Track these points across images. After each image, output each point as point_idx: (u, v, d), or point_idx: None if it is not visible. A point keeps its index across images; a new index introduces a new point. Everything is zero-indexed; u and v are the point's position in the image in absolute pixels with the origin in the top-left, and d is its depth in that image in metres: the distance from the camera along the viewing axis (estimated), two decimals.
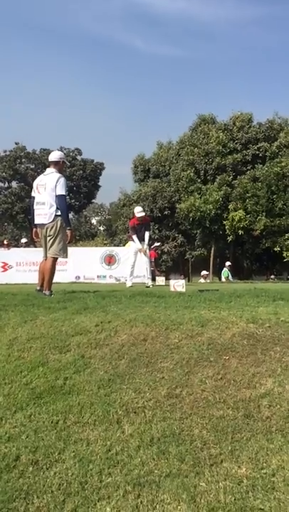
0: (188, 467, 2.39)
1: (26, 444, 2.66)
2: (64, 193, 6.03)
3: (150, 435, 2.64)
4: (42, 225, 6.04)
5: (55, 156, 6.33)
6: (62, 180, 6.05)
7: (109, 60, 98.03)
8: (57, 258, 6.12)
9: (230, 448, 2.51)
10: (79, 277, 13.85)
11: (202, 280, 19.73)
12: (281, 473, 2.32)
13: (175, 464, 2.42)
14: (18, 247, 18.59)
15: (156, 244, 17.06)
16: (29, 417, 2.91)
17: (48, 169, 6.26)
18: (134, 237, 9.93)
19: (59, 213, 5.97)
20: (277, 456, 2.42)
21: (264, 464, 2.38)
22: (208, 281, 20.58)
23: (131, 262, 10.20)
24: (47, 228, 5.98)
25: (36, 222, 6.13)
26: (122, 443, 2.60)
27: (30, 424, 2.84)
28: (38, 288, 6.15)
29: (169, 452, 2.50)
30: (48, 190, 5.97)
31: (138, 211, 10.04)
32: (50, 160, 6.30)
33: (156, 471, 2.38)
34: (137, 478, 2.34)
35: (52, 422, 2.83)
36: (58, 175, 6.07)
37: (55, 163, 6.23)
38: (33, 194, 6.25)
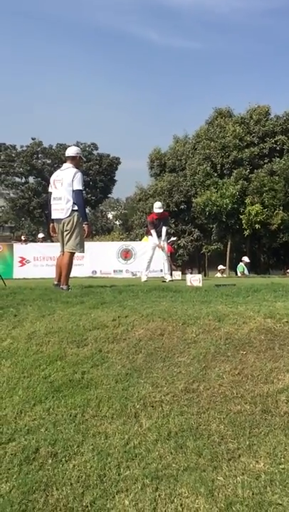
0: (205, 461, 2.40)
1: (45, 436, 2.69)
2: (81, 188, 6.05)
3: (168, 429, 2.66)
4: (59, 220, 6.08)
5: (71, 151, 6.35)
6: (79, 175, 6.08)
7: (125, 53, 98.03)
8: (74, 253, 6.16)
9: (248, 443, 2.51)
10: (96, 272, 13.92)
11: (219, 275, 19.63)
12: None
13: (193, 458, 2.43)
14: (35, 242, 18.75)
15: (173, 238, 16.99)
16: (48, 410, 2.95)
17: (64, 164, 6.29)
18: (153, 231, 9.94)
19: (76, 208, 5.99)
20: None
21: (282, 459, 2.37)
22: (225, 275, 20.48)
23: (148, 257, 10.21)
24: (64, 223, 6.02)
25: (53, 217, 6.18)
26: (139, 437, 2.62)
27: (49, 417, 2.88)
28: (56, 282, 6.21)
29: (187, 446, 2.51)
30: (64, 185, 6.01)
31: (157, 207, 10.05)
32: (66, 155, 6.32)
33: (174, 465, 2.40)
34: (154, 472, 2.36)
35: (70, 416, 2.86)
36: (75, 170, 6.10)
37: (72, 158, 6.26)
38: (50, 189, 6.30)
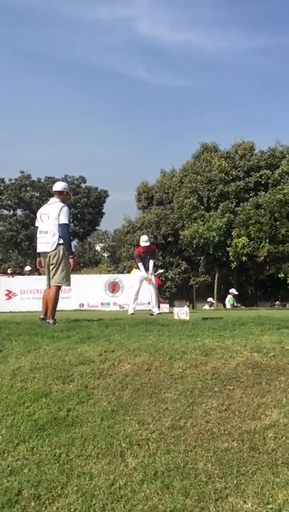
0: (192, 502, 2.35)
1: (29, 478, 2.62)
2: (67, 222, 6.09)
3: (154, 468, 2.60)
4: (45, 254, 6.09)
5: (58, 186, 6.41)
6: (66, 209, 6.12)
7: (115, 90, 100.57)
8: (60, 286, 6.13)
9: (235, 482, 2.46)
10: (83, 305, 13.83)
11: (207, 307, 19.64)
12: (288, 507, 2.27)
13: (179, 499, 2.37)
14: (22, 274, 18.63)
15: (160, 271, 17.02)
16: (32, 449, 2.88)
17: (51, 199, 6.35)
18: (140, 264, 9.96)
19: (61, 242, 6.02)
20: (283, 491, 2.37)
21: (270, 499, 2.33)
22: (213, 308, 20.50)
23: (135, 290, 10.19)
24: (50, 256, 6.02)
25: (39, 250, 6.19)
26: (125, 477, 2.57)
27: (32, 457, 2.81)
28: (42, 316, 6.15)
29: (174, 486, 2.46)
30: (51, 219, 6.05)
31: (144, 240, 10.09)
32: (54, 190, 6.38)
33: (160, 507, 2.34)
34: None
35: (55, 455, 2.80)
36: (62, 204, 6.15)
37: (59, 193, 6.30)
38: (36, 224, 6.35)
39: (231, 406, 3.10)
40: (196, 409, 3.11)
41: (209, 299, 21.03)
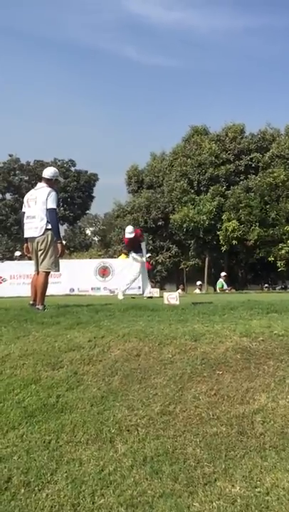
0: (181, 487, 2.37)
1: (18, 464, 2.62)
2: (55, 207, 6.02)
3: (143, 454, 2.62)
4: (32, 239, 6.03)
5: (48, 173, 6.29)
6: (54, 194, 6.05)
7: (104, 70, 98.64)
8: (49, 272, 6.11)
9: (223, 466, 2.49)
10: (73, 290, 13.82)
11: (197, 290, 19.75)
12: (275, 491, 2.30)
13: (168, 484, 2.39)
14: (12, 259, 18.53)
15: (147, 255, 17.04)
16: (21, 436, 2.88)
17: (39, 184, 6.27)
18: (134, 254, 9.88)
19: (49, 227, 5.95)
20: (271, 474, 2.40)
21: (258, 483, 2.35)
22: (204, 291, 20.65)
23: (136, 274, 9.96)
24: (38, 242, 5.96)
25: (26, 235, 6.12)
26: (114, 462, 2.58)
27: (22, 444, 2.80)
28: (31, 302, 6.12)
29: (163, 471, 2.48)
30: (38, 204, 5.98)
31: (128, 231, 9.91)
32: (43, 176, 6.27)
33: (149, 492, 2.36)
34: (130, 499, 2.31)
35: (44, 442, 2.80)
36: (49, 189, 6.07)
37: (47, 180, 6.20)
38: (23, 209, 6.28)
39: (220, 391, 3.12)
40: (185, 394, 3.12)
41: (198, 283, 21.15)
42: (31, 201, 6.11)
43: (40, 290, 5.96)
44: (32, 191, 6.29)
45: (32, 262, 6.42)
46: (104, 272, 14.30)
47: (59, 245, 6.07)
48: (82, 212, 48.12)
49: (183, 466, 2.51)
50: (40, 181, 6.28)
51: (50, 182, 6.22)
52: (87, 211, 50.66)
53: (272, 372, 3.29)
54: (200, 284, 21.16)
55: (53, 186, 6.20)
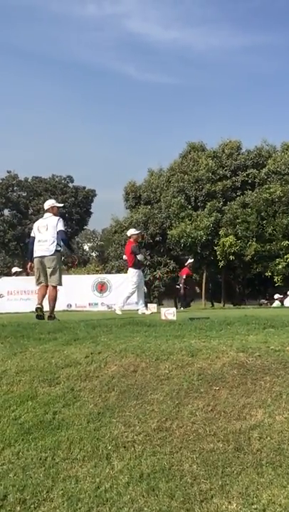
0: (178, 504, 2.36)
1: (14, 482, 2.61)
2: (63, 229, 7.31)
3: (140, 471, 2.61)
4: (43, 257, 7.07)
5: (48, 204, 7.57)
6: (61, 219, 7.37)
7: (102, 88, 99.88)
8: (56, 286, 7.14)
9: (220, 483, 2.48)
10: (71, 305, 13.79)
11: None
12: (272, 508, 2.29)
13: (165, 501, 2.38)
14: (9, 275, 18.50)
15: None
16: (17, 453, 2.87)
17: (46, 214, 7.47)
18: (131, 269, 9.86)
19: (59, 249, 7.12)
20: (267, 491, 2.39)
21: (254, 499, 2.35)
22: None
23: (134, 288, 9.82)
24: (48, 260, 7.03)
25: (37, 255, 7.11)
26: (111, 479, 2.56)
27: (18, 461, 2.79)
28: (39, 306, 7.09)
29: (159, 488, 2.47)
30: (50, 229, 7.14)
31: (129, 233, 10.50)
32: (45, 208, 7.53)
33: (145, 509, 2.35)
34: None
35: (40, 459, 2.79)
36: (57, 217, 7.33)
37: (49, 210, 7.42)
38: (32, 234, 7.36)
39: (217, 407, 3.12)
40: (182, 410, 3.12)
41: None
42: (42, 228, 7.24)
43: (52, 303, 7.07)
44: (41, 220, 7.45)
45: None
46: (101, 287, 14.30)
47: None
48: (80, 227, 48.14)
49: (179, 482, 2.50)
50: (46, 213, 7.50)
51: (53, 210, 7.46)
52: (85, 227, 50.69)
53: (268, 387, 3.29)
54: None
55: (56, 213, 7.46)
